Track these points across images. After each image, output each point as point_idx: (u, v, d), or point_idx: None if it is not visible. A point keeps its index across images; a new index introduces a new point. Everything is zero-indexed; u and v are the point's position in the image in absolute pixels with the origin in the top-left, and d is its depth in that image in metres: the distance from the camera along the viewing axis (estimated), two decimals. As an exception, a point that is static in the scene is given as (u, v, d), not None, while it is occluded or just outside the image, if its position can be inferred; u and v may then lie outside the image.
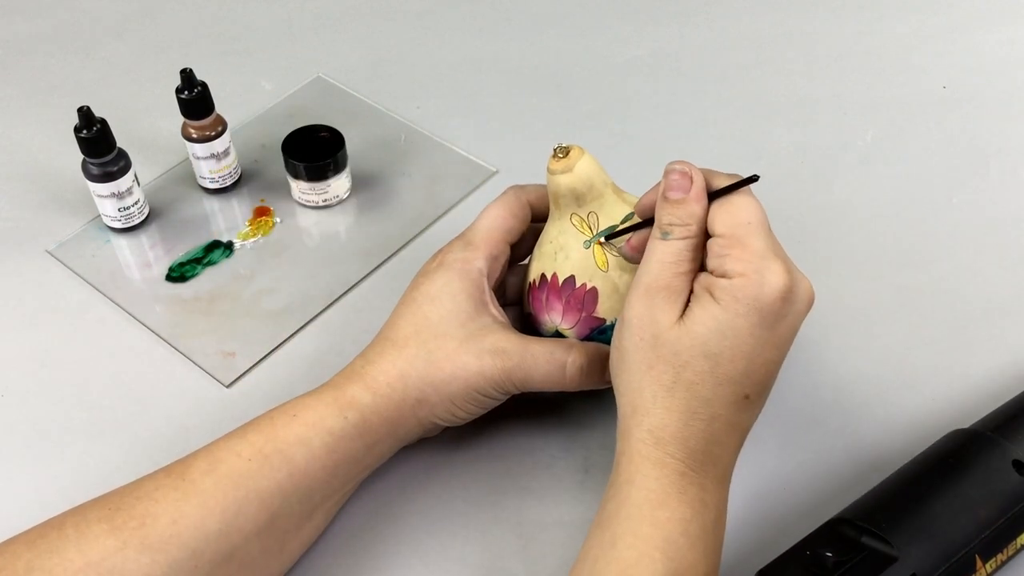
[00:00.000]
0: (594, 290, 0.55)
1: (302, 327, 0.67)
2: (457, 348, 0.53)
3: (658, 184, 0.51)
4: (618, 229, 0.55)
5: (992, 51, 0.86)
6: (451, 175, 0.76)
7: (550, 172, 0.55)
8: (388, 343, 0.55)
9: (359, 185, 0.75)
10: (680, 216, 0.49)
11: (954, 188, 0.74)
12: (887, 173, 0.76)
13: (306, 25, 0.92)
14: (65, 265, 0.71)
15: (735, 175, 0.50)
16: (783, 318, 0.47)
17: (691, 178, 0.49)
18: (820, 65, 0.86)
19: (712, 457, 0.47)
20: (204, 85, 0.71)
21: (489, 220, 0.57)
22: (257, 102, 0.83)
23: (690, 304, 0.48)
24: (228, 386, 0.63)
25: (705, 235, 0.49)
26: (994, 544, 0.48)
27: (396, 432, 0.54)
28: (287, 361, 0.65)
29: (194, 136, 0.72)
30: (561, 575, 0.53)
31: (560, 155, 0.55)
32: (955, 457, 0.51)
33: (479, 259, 0.56)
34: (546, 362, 0.53)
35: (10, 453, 0.60)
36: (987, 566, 0.48)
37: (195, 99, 0.70)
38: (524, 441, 0.60)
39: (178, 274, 0.70)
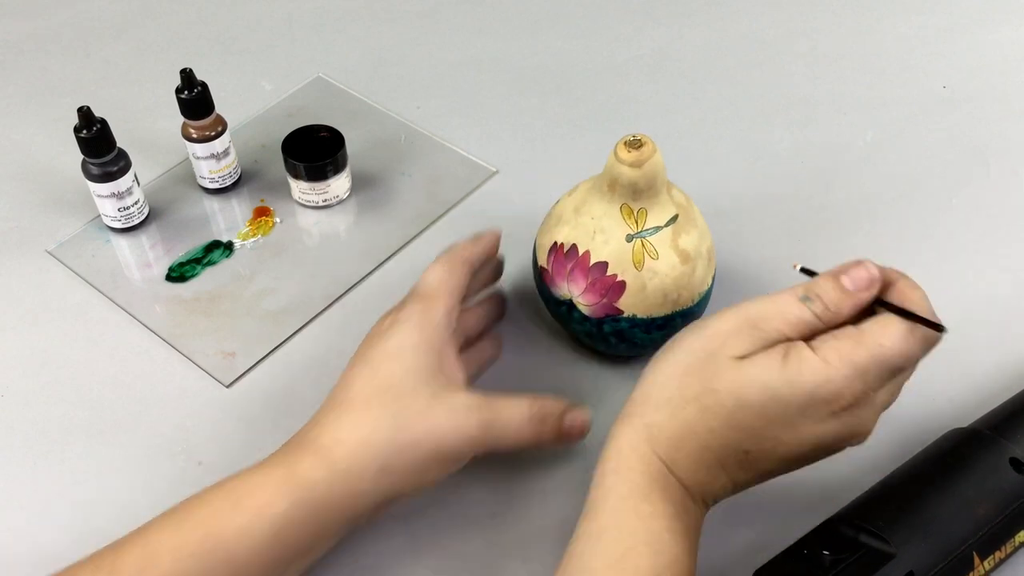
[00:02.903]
0: (623, 283, 0.56)
1: (302, 327, 0.67)
2: (426, 407, 0.50)
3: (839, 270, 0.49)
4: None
5: (992, 51, 0.86)
6: (451, 175, 0.77)
7: (618, 159, 0.55)
8: (345, 407, 0.50)
9: (359, 185, 0.75)
10: (835, 301, 0.47)
11: (954, 188, 0.74)
12: (887, 173, 0.76)
13: (306, 25, 0.92)
14: (65, 265, 0.71)
15: (928, 313, 0.48)
16: (822, 422, 0.45)
17: (872, 284, 0.47)
18: (820, 65, 0.86)
19: (696, 479, 0.47)
20: (204, 85, 0.71)
21: (437, 276, 0.55)
22: (257, 102, 0.83)
23: (762, 351, 0.46)
24: (228, 386, 0.63)
25: (834, 326, 0.47)
26: (992, 542, 0.48)
27: (350, 511, 0.49)
28: (287, 361, 0.65)
29: (194, 136, 0.72)
30: None
31: (632, 147, 0.55)
32: (953, 456, 0.51)
33: (438, 310, 0.53)
34: (516, 413, 0.52)
35: (10, 453, 0.60)
36: (985, 564, 0.48)
37: (195, 99, 0.70)
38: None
39: (178, 274, 0.70)
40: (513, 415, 0.52)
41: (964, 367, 0.63)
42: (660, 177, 0.56)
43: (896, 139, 0.79)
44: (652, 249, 0.56)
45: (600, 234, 0.56)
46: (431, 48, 0.89)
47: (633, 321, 0.57)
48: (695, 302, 0.58)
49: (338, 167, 0.72)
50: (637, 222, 0.56)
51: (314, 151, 0.72)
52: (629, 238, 0.56)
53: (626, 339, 0.59)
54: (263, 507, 0.47)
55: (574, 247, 0.57)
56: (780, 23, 0.90)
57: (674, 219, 0.57)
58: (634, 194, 0.56)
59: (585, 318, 0.58)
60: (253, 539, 0.46)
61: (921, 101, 0.82)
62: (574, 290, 0.58)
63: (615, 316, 0.57)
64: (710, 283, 0.60)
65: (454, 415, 0.50)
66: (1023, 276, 0.68)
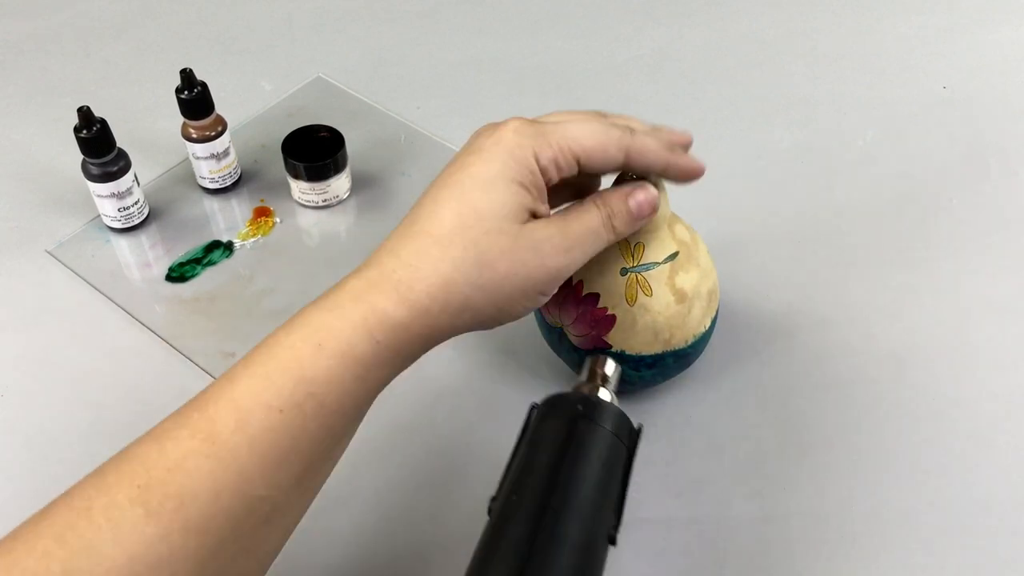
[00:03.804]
0: (612, 317, 0.55)
1: (302, 327, 0.67)
2: (511, 245, 0.47)
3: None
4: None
5: (992, 51, 0.86)
6: (451, 175, 0.76)
7: None
8: (428, 240, 0.47)
9: (359, 185, 0.75)
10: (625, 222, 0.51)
11: (954, 188, 0.74)
12: (887, 173, 0.76)
13: (306, 25, 0.92)
14: (65, 265, 0.71)
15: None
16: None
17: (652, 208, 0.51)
18: (820, 65, 0.86)
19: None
20: (204, 85, 0.71)
21: (584, 135, 0.49)
22: (257, 102, 0.83)
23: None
24: (228, 386, 0.63)
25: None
26: None
27: (430, 344, 0.48)
28: (287, 361, 0.65)
29: (194, 136, 0.72)
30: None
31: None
32: None
33: (546, 157, 0.48)
34: (591, 226, 0.50)
35: (10, 453, 0.60)
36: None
37: (195, 99, 0.70)
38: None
39: (178, 274, 0.70)
40: (588, 229, 0.50)
41: (965, 367, 0.63)
42: (661, 214, 0.54)
43: (896, 139, 0.79)
44: (646, 285, 0.54)
45: (595, 265, 0.54)
46: (431, 48, 0.89)
47: (621, 357, 0.55)
48: (688, 343, 0.56)
49: (338, 167, 0.72)
50: (633, 256, 0.54)
51: (314, 151, 0.72)
52: (623, 272, 0.54)
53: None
54: (347, 350, 0.45)
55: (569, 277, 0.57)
56: (780, 23, 0.90)
57: (673, 256, 0.55)
58: None
59: (574, 348, 0.57)
60: (342, 384, 0.45)
61: (921, 101, 0.82)
62: (565, 319, 0.56)
63: (603, 350, 0.56)
64: (708, 325, 0.57)
65: (538, 253, 0.48)
66: (1023, 276, 0.68)
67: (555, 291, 0.50)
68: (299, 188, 0.73)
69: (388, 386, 0.48)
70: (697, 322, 0.56)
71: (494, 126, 0.49)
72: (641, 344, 0.55)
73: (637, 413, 0.60)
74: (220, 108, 0.73)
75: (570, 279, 0.55)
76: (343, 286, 0.47)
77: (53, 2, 0.94)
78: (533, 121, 0.49)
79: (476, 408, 0.62)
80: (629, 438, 0.47)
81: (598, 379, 0.50)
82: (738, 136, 0.79)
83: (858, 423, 0.60)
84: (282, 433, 0.44)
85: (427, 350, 0.48)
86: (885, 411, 0.61)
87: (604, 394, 0.48)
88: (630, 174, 0.52)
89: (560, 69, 0.86)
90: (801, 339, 0.64)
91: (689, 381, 0.62)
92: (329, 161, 0.71)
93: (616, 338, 0.55)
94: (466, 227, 0.46)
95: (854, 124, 0.80)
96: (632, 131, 0.50)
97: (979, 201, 0.73)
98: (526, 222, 0.48)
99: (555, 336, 0.58)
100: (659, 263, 0.54)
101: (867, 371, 0.63)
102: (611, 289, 0.54)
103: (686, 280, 0.55)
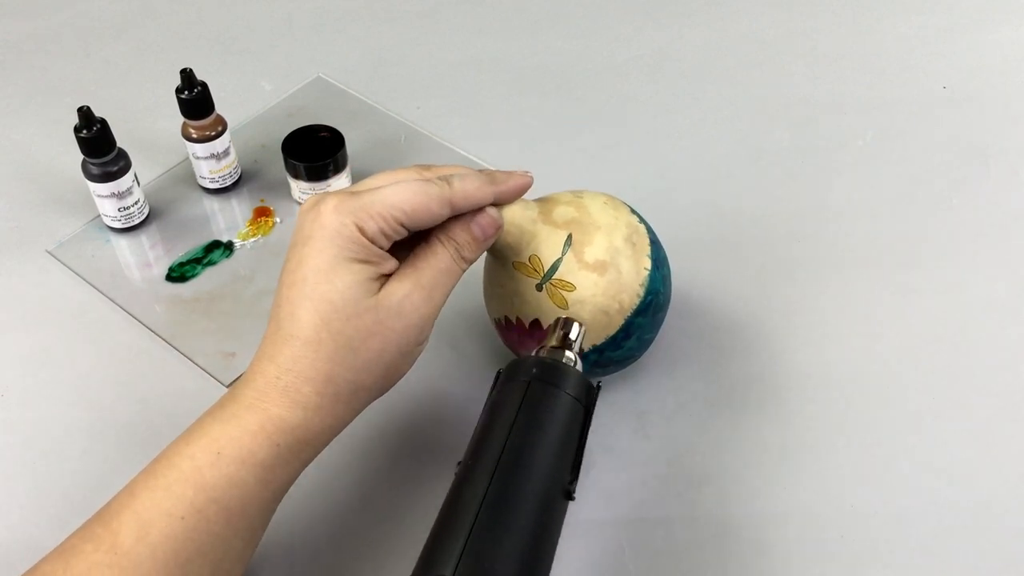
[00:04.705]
0: None
1: (302, 327, 0.67)
2: (375, 319, 0.48)
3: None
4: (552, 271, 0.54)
5: (992, 51, 0.86)
6: (451, 175, 0.76)
7: None
8: (297, 343, 0.47)
9: (359, 185, 0.75)
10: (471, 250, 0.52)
11: (954, 188, 0.74)
12: (887, 173, 0.76)
13: (306, 25, 0.92)
14: (65, 265, 0.71)
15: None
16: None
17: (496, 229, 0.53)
18: (820, 65, 0.86)
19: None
20: (204, 85, 0.71)
21: (403, 199, 0.49)
22: (257, 102, 0.83)
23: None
24: (228, 386, 0.63)
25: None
26: None
27: (334, 432, 0.50)
28: (287, 361, 0.65)
29: (194, 136, 0.72)
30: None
31: None
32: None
33: (371, 229, 0.48)
34: (443, 264, 0.51)
35: (10, 453, 0.60)
36: None
37: (195, 99, 0.70)
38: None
39: (178, 274, 0.70)
40: (440, 272, 0.50)
41: (965, 367, 0.63)
42: (525, 221, 0.54)
43: (896, 139, 0.79)
44: (564, 283, 0.54)
45: (517, 297, 0.55)
46: (431, 48, 0.89)
47: (598, 350, 0.56)
48: (641, 296, 0.55)
49: (338, 167, 0.72)
50: (536, 270, 0.54)
51: (314, 151, 0.72)
52: (539, 287, 0.54)
53: (607, 363, 0.57)
54: (247, 457, 0.46)
55: (507, 319, 0.57)
56: (780, 23, 0.90)
57: (568, 241, 0.54)
58: (513, 250, 0.54)
59: None
60: (245, 487, 0.46)
61: (921, 101, 0.82)
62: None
63: (583, 355, 0.55)
64: (648, 265, 0.56)
65: (401, 315, 0.49)
66: (1023, 276, 0.68)
67: (430, 332, 0.51)
68: (299, 188, 0.73)
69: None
70: (634, 273, 0.55)
71: (315, 204, 0.49)
72: (602, 328, 0.55)
73: (637, 412, 0.60)
74: (220, 108, 0.73)
75: (511, 320, 0.56)
76: (235, 396, 0.48)
77: (53, 2, 0.94)
78: (351, 194, 0.49)
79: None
80: (587, 397, 0.49)
81: (559, 341, 0.51)
82: (738, 136, 0.79)
83: (858, 423, 0.60)
84: (184, 540, 0.45)
85: (334, 437, 0.50)
86: (885, 411, 0.61)
87: (568, 356, 0.50)
88: None
89: (560, 69, 0.86)
90: (802, 339, 0.64)
91: (690, 381, 0.62)
92: (329, 161, 0.71)
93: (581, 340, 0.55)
94: (327, 322, 0.47)
95: (854, 124, 0.80)
96: (449, 180, 0.50)
97: (979, 201, 0.73)
98: (380, 288, 0.49)
99: None
100: (560, 258, 0.54)
101: (868, 371, 0.63)
102: (542, 308, 0.55)
103: (595, 250, 0.54)
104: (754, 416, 0.60)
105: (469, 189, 0.51)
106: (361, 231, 0.48)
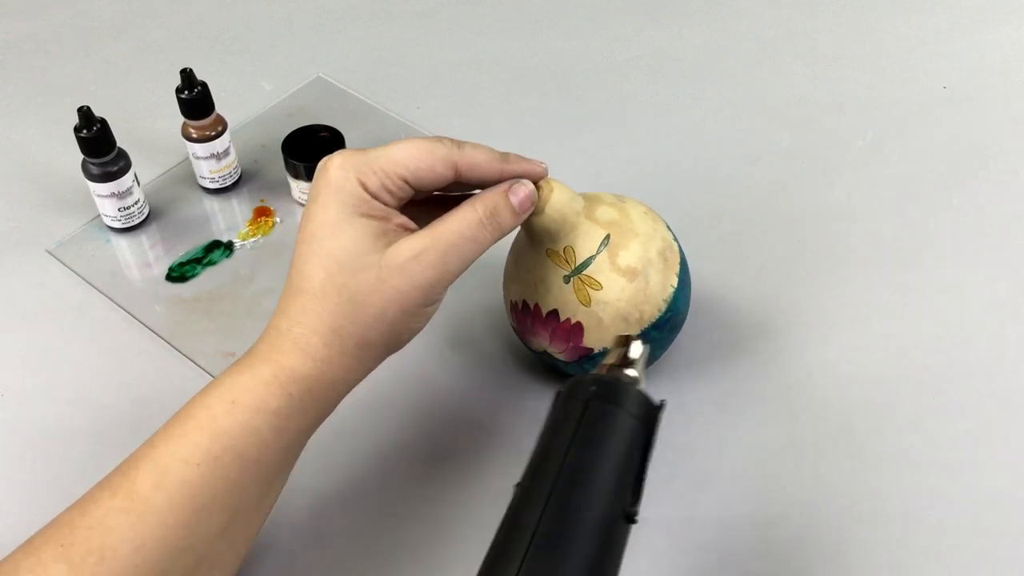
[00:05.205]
0: (579, 324, 0.55)
1: (302, 327, 0.67)
2: (377, 278, 0.48)
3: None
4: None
5: (992, 51, 0.86)
6: (451, 175, 0.76)
7: None
8: (306, 297, 0.49)
9: (359, 185, 0.75)
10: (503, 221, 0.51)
11: (954, 188, 0.74)
12: (887, 173, 0.76)
13: (306, 25, 0.92)
14: (65, 265, 0.71)
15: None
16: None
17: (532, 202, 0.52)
18: (820, 65, 0.86)
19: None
20: (204, 85, 0.71)
21: (407, 156, 0.49)
22: (257, 102, 0.83)
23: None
24: (228, 386, 0.63)
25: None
26: None
27: (348, 385, 0.51)
28: (287, 361, 0.65)
29: (194, 136, 0.72)
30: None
31: None
32: None
33: (373, 184, 0.49)
34: (467, 227, 0.50)
35: (10, 453, 0.60)
36: None
37: (195, 99, 0.70)
38: (527, 442, 0.60)
39: (178, 274, 0.70)
40: (461, 236, 0.50)
41: (965, 367, 0.63)
42: (569, 210, 0.53)
43: (896, 139, 0.79)
44: (592, 281, 0.54)
45: (541, 284, 0.55)
46: (431, 48, 0.89)
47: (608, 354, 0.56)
48: (663, 310, 0.56)
49: (338, 167, 0.72)
50: (567, 261, 0.54)
51: (314, 151, 0.72)
52: (566, 279, 0.54)
53: None
54: (261, 405, 0.47)
55: (525, 303, 0.57)
56: (780, 23, 0.90)
57: (605, 241, 0.54)
58: (551, 237, 0.54)
59: (566, 363, 0.57)
60: (259, 435, 0.47)
61: (921, 101, 0.82)
62: (542, 342, 0.57)
63: (589, 355, 0.56)
64: (675, 283, 0.56)
65: (407, 273, 0.49)
66: (1023, 276, 0.68)
67: (440, 297, 0.51)
68: (299, 188, 0.73)
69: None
70: (661, 287, 0.55)
71: (324, 163, 0.50)
72: (618, 334, 0.54)
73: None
74: (220, 108, 0.73)
75: (528, 305, 0.56)
76: (251, 350, 0.50)
77: (53, 2, 0.94)
78: (358, 151, 0.50)
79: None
80: (647, 416, 0.47)
81: (620, 359, 0.49)
82: (738, 136, 0.79)
83: (858, 423, 0.60)
84: (200, 486, 0.46)
85: (347, 392, 0.51)
86: (885, 411, 0.61)
87: (630, 373, 0.48)
88: None
89: (560, 69, 0.86)
90: (802, 339, 0.64)
91: (690, 381, 0.62)
92: (329, 161, 0.71)
93: (592, 340, 0.55)
94: (331, 276, 0.49)
95: (854, 124, 0.80)
96: (460, 145, 0.51)
97: (979, 201, 0.73)
98: (389, 244, 0.49)
99: (546, 357, 0.59)
100: (594, 255, 0.54)
101: (868, 371, 0.63)
102: (564, 300, 0.55)
103: (629, 256, 0.55)
104: (754, 416, 0.60)
105: (478, 159, 0.51)
106: (363, 186, 0.49)
